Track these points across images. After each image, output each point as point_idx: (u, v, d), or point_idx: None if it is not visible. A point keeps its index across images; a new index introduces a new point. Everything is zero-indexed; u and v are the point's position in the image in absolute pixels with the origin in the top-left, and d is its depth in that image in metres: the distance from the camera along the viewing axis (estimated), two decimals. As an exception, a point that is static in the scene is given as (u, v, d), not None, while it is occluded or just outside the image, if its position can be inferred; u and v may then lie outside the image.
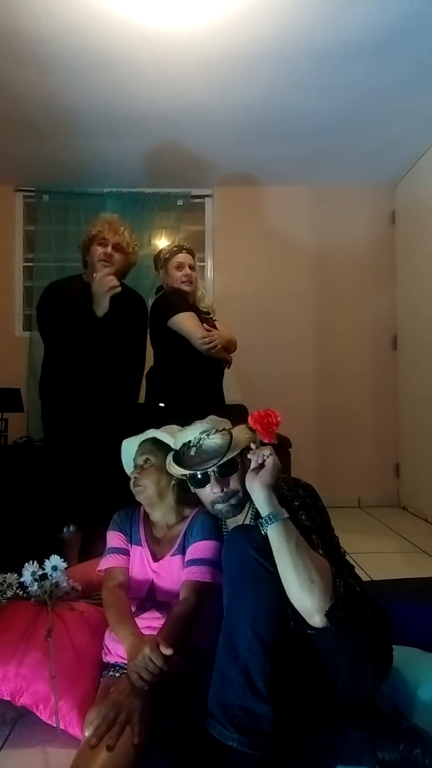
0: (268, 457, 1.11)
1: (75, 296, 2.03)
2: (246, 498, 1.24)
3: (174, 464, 1.29)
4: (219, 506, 1.25)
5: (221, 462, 1.20)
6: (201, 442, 1.25)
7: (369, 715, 1.04)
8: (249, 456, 1.13)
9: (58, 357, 2.08)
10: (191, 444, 1.27)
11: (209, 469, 1.22)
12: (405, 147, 3.18)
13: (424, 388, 3.22)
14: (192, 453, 1.26)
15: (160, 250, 2.35)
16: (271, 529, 1.02)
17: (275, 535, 1.01)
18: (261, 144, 3.14)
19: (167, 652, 1.09)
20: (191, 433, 1.28)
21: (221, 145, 3.15)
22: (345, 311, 3.70)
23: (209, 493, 1.25)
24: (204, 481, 1.25)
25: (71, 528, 2.01)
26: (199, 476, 1.24)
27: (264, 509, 1.05)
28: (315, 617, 0.97)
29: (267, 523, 1.03)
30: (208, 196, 3.74)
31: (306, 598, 0.97)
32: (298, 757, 1.02)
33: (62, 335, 2.01)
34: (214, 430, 1.26)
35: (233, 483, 1.23)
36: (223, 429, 1.27)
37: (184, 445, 1.29)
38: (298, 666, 1.04)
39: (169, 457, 1.35)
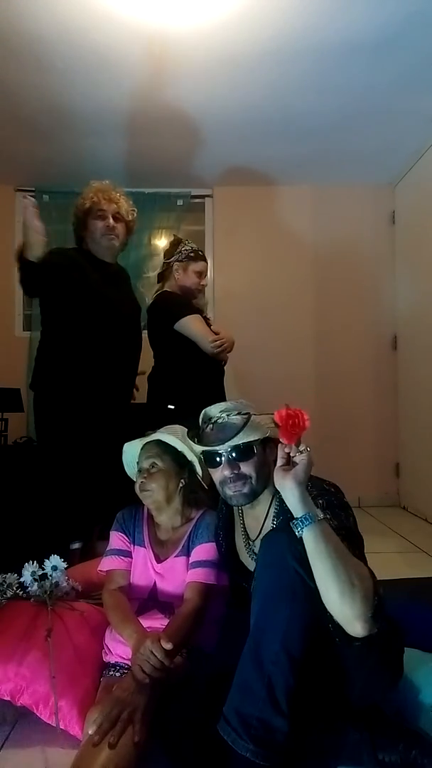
0: (303, 453, 1.01)
1: (79, 270, 1.89)
2: (260, 490, 1.21)
3: (189, 439, 1.28)
4: (228, 491, 1.21)
5: (231, 442, 1.17)
6: (220, 420, 1.23)
7: (370, 717, 1.04)
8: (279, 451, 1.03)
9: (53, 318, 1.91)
10: (211, 421, 1.24)
11: (221, 449, 1.19)
12: (405, 147, 3.18)
13: (424, 389, 3.22)
14: (209, 430, 1.24)
15: (180, 244, 2.26)
16: (307, 531, 0.95)
17: (311, 538, 0.94)
18: (261, 144, 3.14)
19: (167, 646, 1.10)
20: (214, 410, 1.26)
21: (221, 145, 3.15)
22: (345, 311, 3.70)
23: (221, 474, 1.21)
24: (216, 461, 1.21)
25: (77, 545, 1.94)
26: (214, 456, 1.21)
27: (298, 510, 0.97)
28: (356, 625, 0.90)
29: (302, 524, 0.95)
30: (208, 196, 3.74)
31: (347, 604, 0.90)
32: (299, 756, 1.02)
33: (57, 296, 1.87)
34: (236, 412, 1.23)
35: (246, 468, 1.19)
36: (247, 413, 1.23)
37: (204, 422, 1.27)
38: (316, 678, 1.02)
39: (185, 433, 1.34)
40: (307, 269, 3.70)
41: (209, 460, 1.24)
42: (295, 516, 0.98)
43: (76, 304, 1.87)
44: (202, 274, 2.25)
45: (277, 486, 1.02)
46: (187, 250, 2.25)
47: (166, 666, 1.10)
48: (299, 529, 0.96)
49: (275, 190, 3.68)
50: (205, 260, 2.28)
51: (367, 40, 2.24)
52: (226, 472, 1.19)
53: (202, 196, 3.73)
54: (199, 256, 2.25)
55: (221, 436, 1.20)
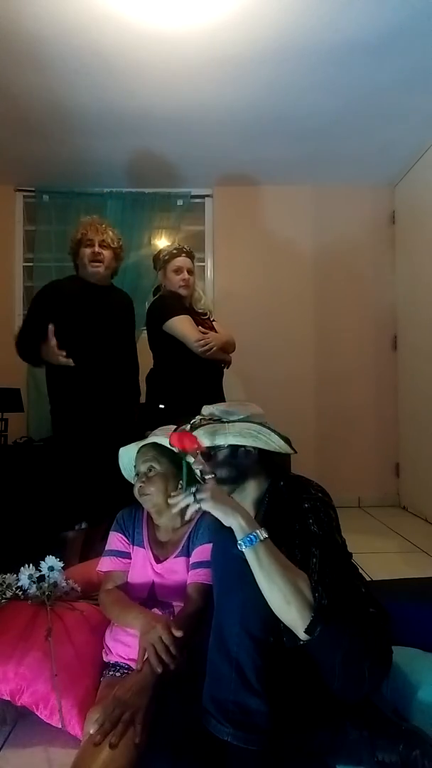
0: (201, 500, 1.06)
1: (71, 295, 2.13)
2: (230, 486, 1.24)
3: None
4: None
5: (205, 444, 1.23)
6: (195, 422, 1.30)
7: (369, 716, 1.04)
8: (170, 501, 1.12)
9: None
10: (194, 424, 1.31)
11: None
12: (405, 147, 3.18)
13: (424, 389, 3.22)
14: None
15: (160, 251, 2.34)
16: (246, 553, 1.02)
17: (249, 559, 1.01)
18: (261, 144, 3.14)
19: (178, 633, 1.14)
20: (204, 409, 1.34)
21: (221, 145, 3.15)
22: (345, 311, 3.70)
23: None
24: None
25: (83, 525, 2.05)
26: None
27: (237, 534, 1.04)
28: (298, 632, 0.98)
29: (241, 546, 1.02)
30: (208, 196, 3.74)
31: (284, 616, 0.98)
32: (298, 755, 1.02)
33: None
34: (210, 417, 1.29)
35: (208, 467, 1.24)
36: (211, 420, 1.28)
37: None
38: (296, 665, 1.04)
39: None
40: (307, 269, 3.70)
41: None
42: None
43: (67, 322, 2.08)
44: (180, 270, 2.22)
45: None
46: (163, 254, 2.27)
47: (174, 654, 1.12)
48: (241, 548, 1.02)
49: (275, 190, 3.68)
50: (181, 255, 2.24)
51: (368, 40, 2.24)
52: (197, 465, 1.27)
53: (202, 196, 3.73)
54: (173, 254, 2.24)
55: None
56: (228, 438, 1.23)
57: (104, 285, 2.24)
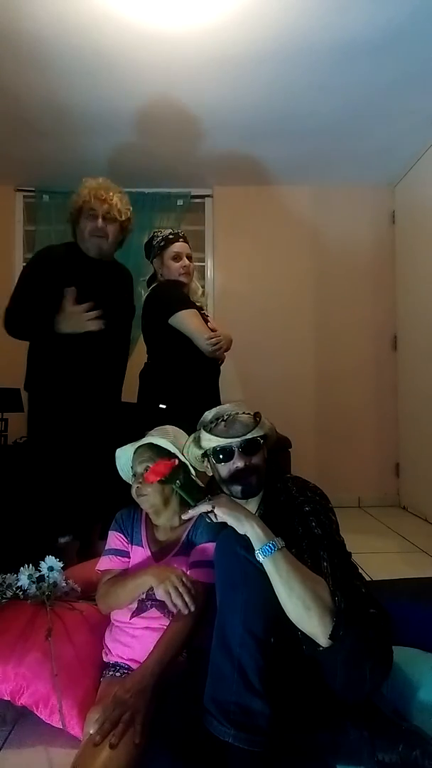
0: (212, 510, 1.07)
1: (65, 268, 1.89)
2: (262, 483, 1.27)
3: (204, 435, 1.30)
4: (237, 484, 1.24)
5: (248, 435, 1.24)
6: (232, 417, 1.29)
7: (369, 716, 1.04)
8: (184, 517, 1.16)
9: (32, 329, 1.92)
10: (223, 418, 1.29)
11: (234, 443, 1.25)
12: (405, 147, 3.18)
13: (424, 389, 3.22)
14: (222, 426, 1.28)
15: (152, 237, 2.15)
16: (264, 562, 1.01)
17: (268, 568, 1.00)
18: (261, 144, 3.14)
19: (195, 576, 1.21)
20: (224, 409, 1.33)
21: (221, 145, 3.15)
22: (345, 311, 3.70)
23: (232, 466, 1.25)
24: (228, 456, 1.25)
25: (67, 538, 1.94)
26: (226, 449, 1.26)
27: (255, 544, 1.03)
28: (318, 639, 0.98)
29: (261, 555, 1.02)
30: (208, 196, 3.74)
31: (304, 624, 0.98)
32: (298, 754, 1.02)
33: (42, 312, 1.83)
34: (242, 411, 1.31)
35: (256, 459, 1.25)
36: (257, 411, 1.33)
37: (215, 418, 1.31)
38: (297, 665, 1.04)
39: (193, 436, 1.35)
40: (307, 269, 3.70)
41: (221, 453, 1.27)
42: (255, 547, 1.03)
43: (55, 300, 1.84)
44: (179, 256, 2.06)
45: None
46: (157, 241, 2.10)
47: (194, 594, 1.17)
48: (260, 558, 1.01)
49: (275, 190, 3.68)
50: (178, 240, 2.08)
51: (367, 41, 2.24)
52: (239, 464, 1.24)
53: (202, 196, 3.73)
54: (169, 240, 2.07)
55: (232, 431, 1.26)
56: (265, 427, 1.29)
57: (102, 259, 1.98)
